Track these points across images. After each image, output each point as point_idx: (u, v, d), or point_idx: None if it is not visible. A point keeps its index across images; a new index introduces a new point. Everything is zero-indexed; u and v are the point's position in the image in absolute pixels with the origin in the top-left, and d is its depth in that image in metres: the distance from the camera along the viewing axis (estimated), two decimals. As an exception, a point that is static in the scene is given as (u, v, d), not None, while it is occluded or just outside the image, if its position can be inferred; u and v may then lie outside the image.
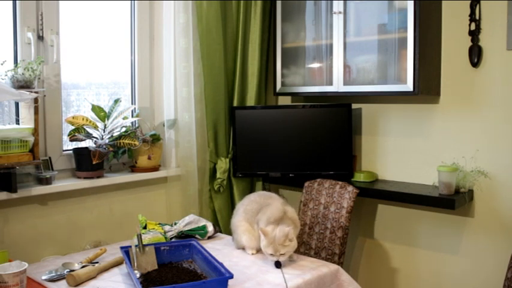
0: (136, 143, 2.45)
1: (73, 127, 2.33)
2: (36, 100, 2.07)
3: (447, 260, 2.62)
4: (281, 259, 1.82)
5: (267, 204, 1.99)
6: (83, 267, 1.79)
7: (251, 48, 2.97)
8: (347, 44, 2.65)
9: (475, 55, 2.44)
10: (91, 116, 2.43)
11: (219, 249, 2.07)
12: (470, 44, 2.46)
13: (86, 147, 2.33)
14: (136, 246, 1.76)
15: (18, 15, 2.18)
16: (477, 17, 2.44)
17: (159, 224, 2.17)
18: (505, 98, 2.39)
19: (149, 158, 2.61)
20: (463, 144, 2.53)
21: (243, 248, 2.04)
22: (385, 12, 2.55)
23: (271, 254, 1.81)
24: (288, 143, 2.86)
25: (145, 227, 2.11)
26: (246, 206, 2.07)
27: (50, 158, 2.30)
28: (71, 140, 2.32)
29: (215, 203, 2.89)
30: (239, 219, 2.05)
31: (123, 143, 2.42)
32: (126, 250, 1.79)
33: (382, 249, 2.86)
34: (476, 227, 2.52)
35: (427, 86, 2.49)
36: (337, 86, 2.68)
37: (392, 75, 2.52)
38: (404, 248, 2.78)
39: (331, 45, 2.70)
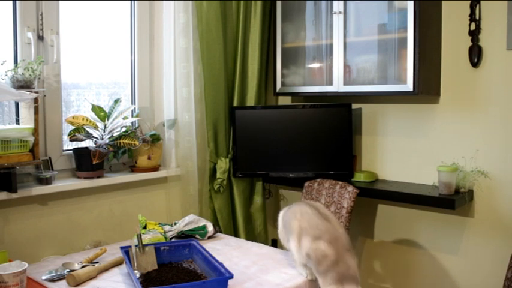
0: (136, 143, 2.45)
1: (73, 127, 2.33)
2: (36, 100, 2.07)
3: (447, 260, 2.62)
4: None
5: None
6: (83, 267, 1.79)
7: (251, 48, 2.97)
8: (347, 44, 2.65)
9: (475, 55, 2.44)
10: (91, 116, 2.43)
11: (219, 249, 2.07)
12: (470, 44, 2.47)
13: (86, 147, 2.33)
14: (136, 246, 1.76)
15: (18, 15, 2.18)
16: (477, 17, 2.44)
17: (159, 224, 2.17)
18: (505, 98, 2.39)
19: (149, 158, 2.61)
20: (463, 144, 2.53)
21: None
22: (385, 12, 2.55)
23: None
24: (288, 143, 2.86)
25: (145, 227, 2.11)
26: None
27: (50, 158, 2.30)
28: (71, 140, 2.33)
29: (215, 203, 2.89)
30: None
31: (123, 143, 2.42)
32: (126, 250, 1.78)
33: (382, 249, 2.86)
34: (476, 227, 2.52)
35: (427, 86, 2.49)
36: (337, 86, 2.68)
37: (392, 75, 2.52)
38: (405, 248, 2.78)
39: (331, 45, 2.70)
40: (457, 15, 2.50)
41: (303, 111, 2.89)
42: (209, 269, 1.70)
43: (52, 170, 2.28)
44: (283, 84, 2.95)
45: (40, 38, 2.25)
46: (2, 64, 2.02)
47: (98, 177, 2.38)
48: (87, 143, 2.37)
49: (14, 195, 2.04)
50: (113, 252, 1.97)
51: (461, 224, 2.56)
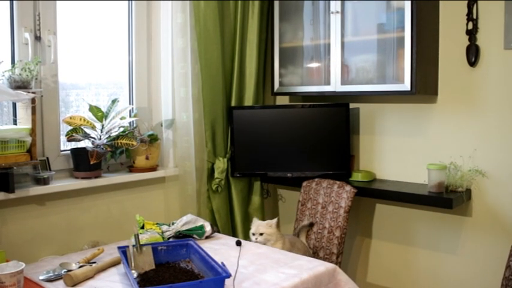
0: (134, 143, 2.45)
1: (70, 127, 2.33)
2: (33, 100, 2.06)
3: (445, 259, 2.62)
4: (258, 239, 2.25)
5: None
6: (80, 267, 1.79)
7: (249, 48, 2.97)
8: (345, 43, 2.65)
9: (473, 54, 2.44)
10: (89, 116, 2.43)
11: (217, 249, 2.07)
12: (467, 43, 2.47)
13: (84, 148, 2.33)
14: (133, 246, 1.77)
15: (15, 15, 2.18)
16: (474, 16, 2.44)
17: (157, 224, 2.17)
18: (503, 97, 2.39)
19: (147, 158, 2.61)
20: (461, 144, 2.53)
21: None
22: (383, 11, 2.55)
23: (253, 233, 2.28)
24: (286, 142, 2.86)
25: (142, 227, 2.11)
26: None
27: (47, 158, 2.30)
28: (69, 140, 2.33)
29: (213, 202, 2.89)
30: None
31: (121, 143, 2.42)
32: (123, 250, 1.79)
33: (380, 248, 2.87)
34: (474, 226, 2.52)
35: (425, 86, 2.50)
36: (335, 85, 2.68)
37: (390, 75, 2.53)
38: (402, 248, 2.78)
39: (328, 45, 2.70)
40: (454, 14, 2.51)
41: (300, 111, 2.89)
42: (206, 268, 1.70)
43: (50, 170, 2.28)
44: (281, 84, 2.95)
45: (37, 38, 2.25)
46: (-1, 64, 2.02)
47: (96, 177, 2.38)
48: (85, 143, 2.37)
49: (11, 196, 2.04)
50: (111, 252, 1.97)
51: (459, 223, 2.56)
